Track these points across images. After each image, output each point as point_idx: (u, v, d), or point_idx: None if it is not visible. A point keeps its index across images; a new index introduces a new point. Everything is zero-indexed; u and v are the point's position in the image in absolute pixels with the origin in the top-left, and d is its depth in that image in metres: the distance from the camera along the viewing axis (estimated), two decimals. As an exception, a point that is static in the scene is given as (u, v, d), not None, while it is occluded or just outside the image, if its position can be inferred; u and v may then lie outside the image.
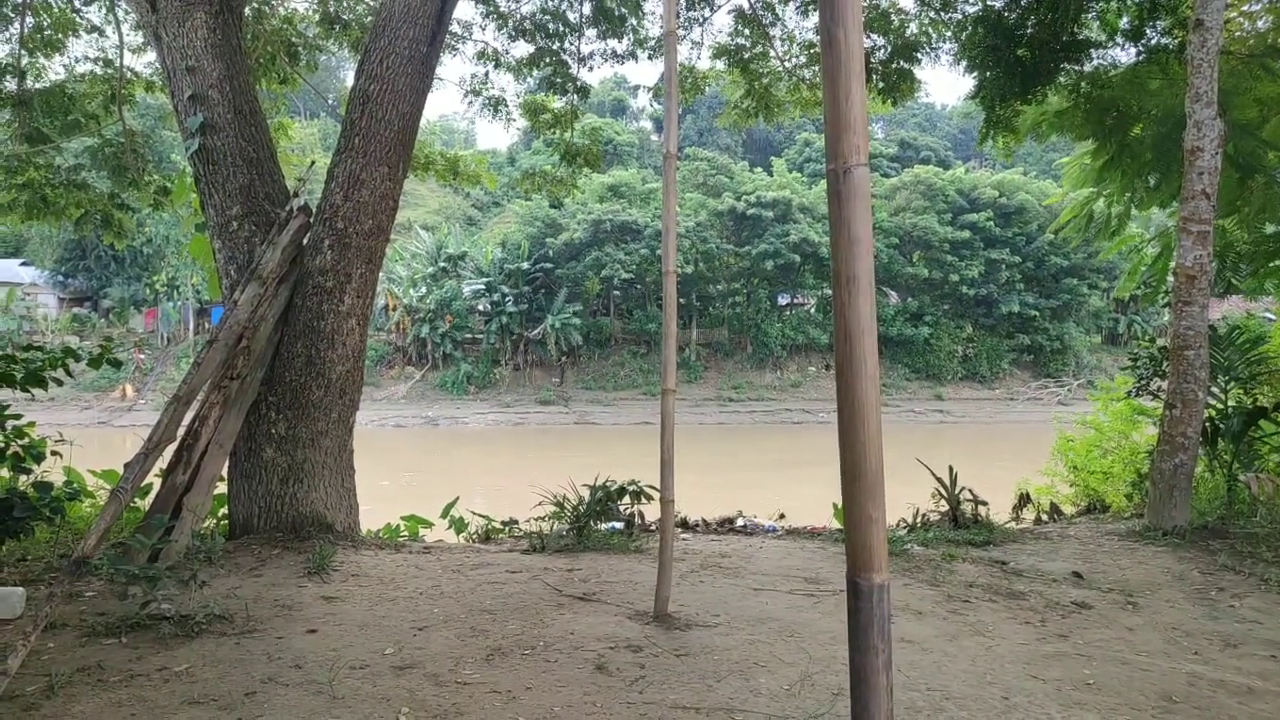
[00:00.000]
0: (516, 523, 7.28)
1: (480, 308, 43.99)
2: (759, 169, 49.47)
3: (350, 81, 7.39)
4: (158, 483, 5.46)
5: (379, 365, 42.81)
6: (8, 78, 11.06)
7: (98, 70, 12.00)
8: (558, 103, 12.72)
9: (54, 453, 5.36)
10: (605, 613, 4.51)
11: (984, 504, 7.48)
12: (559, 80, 11.85)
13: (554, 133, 13.17)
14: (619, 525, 6.97)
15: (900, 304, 47.08)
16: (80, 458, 6.23)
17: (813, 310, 47.49)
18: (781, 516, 8.22)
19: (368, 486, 6.55)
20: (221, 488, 5.88)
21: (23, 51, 11.13)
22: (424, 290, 43.31)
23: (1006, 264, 45.97)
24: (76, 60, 11.80)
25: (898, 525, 7.54)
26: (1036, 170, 54.62)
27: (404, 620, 4.31)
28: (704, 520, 7.93)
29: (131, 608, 4.11)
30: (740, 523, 7.81)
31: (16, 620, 4.02)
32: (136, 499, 5.79)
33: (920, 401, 43.69)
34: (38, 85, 11.37)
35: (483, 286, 43.09)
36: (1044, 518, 8.42)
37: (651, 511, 7.03)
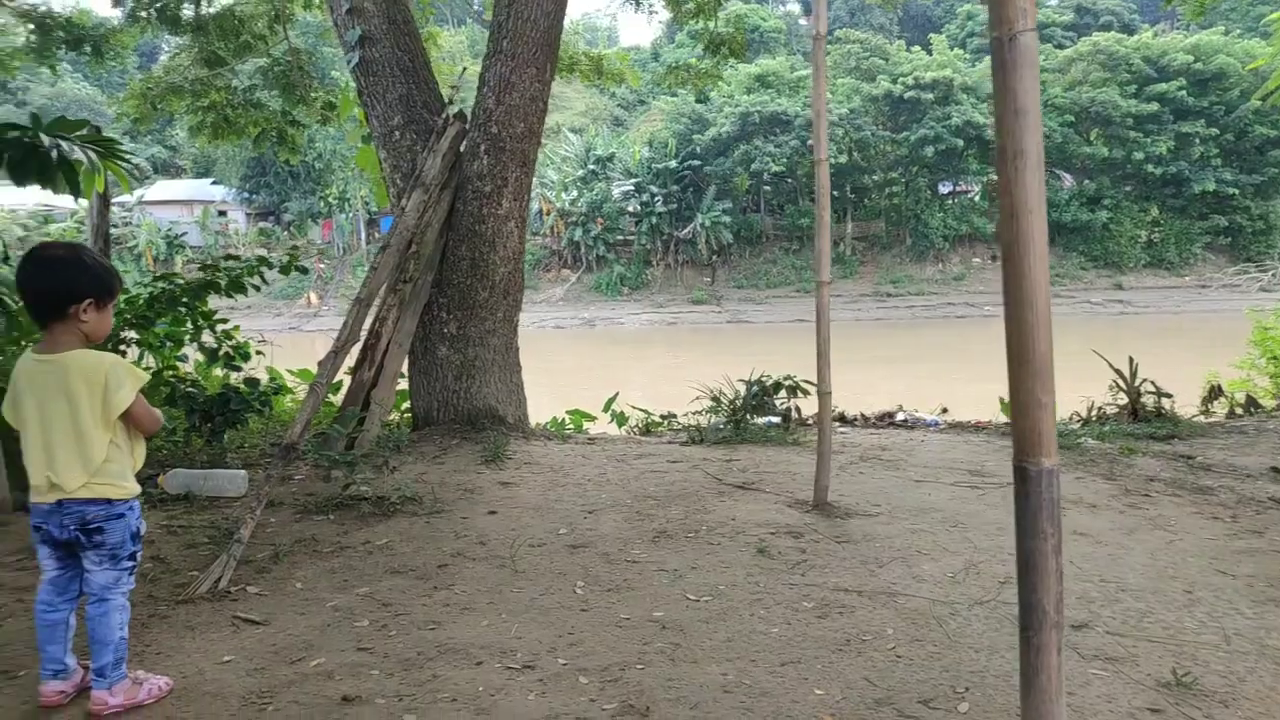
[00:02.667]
0: (674, 416, 7.47)
1: (630, 209, 44.15)
2: (916, 48, 46.25)
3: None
4: (347, 379, 5.95)
5: (536, 269, 44.02)
6: (186, 3, 11.76)
7: (262, -8, 12.54)
8: (702, -11, 12.30)
9: (258, 352, 5.92)
10: (764, 501, 4.62)
11: (1168, 396, 7.03)
12: (703, -35, 11.44)
13: (697, 22, 12.80)
14: (775, 420, 7.03)
15: (1075, 187, 43.62)
16: (276, 358, 6.85)
17: (977, 198, 44.82)
18: (944, 411, 8.05)
19: (531, 384, 6.87)
20: (402, 384, 6.34)
21: (196, -23, 11.76)
22: (575, 193, 43.84)
23: (1201, 137, 41.47)
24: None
25: (1070, 419, 7.23)
26: (1240, 29, 48.40)
27: (574, 504, 4.58)
28: (862, 415, 7.88)
29: (334, 489, 4.57)
30: (900, 417, 7.70)
31: (242, 498, 4.56)
32: (329, 394, 6.34)
33: (1098, 292, 40.85)
34: (211, 10, 12.02)
35: (631, 187, 43.13)
36: (1238, 411, 7.83)
37: (808, 406, 7.04)
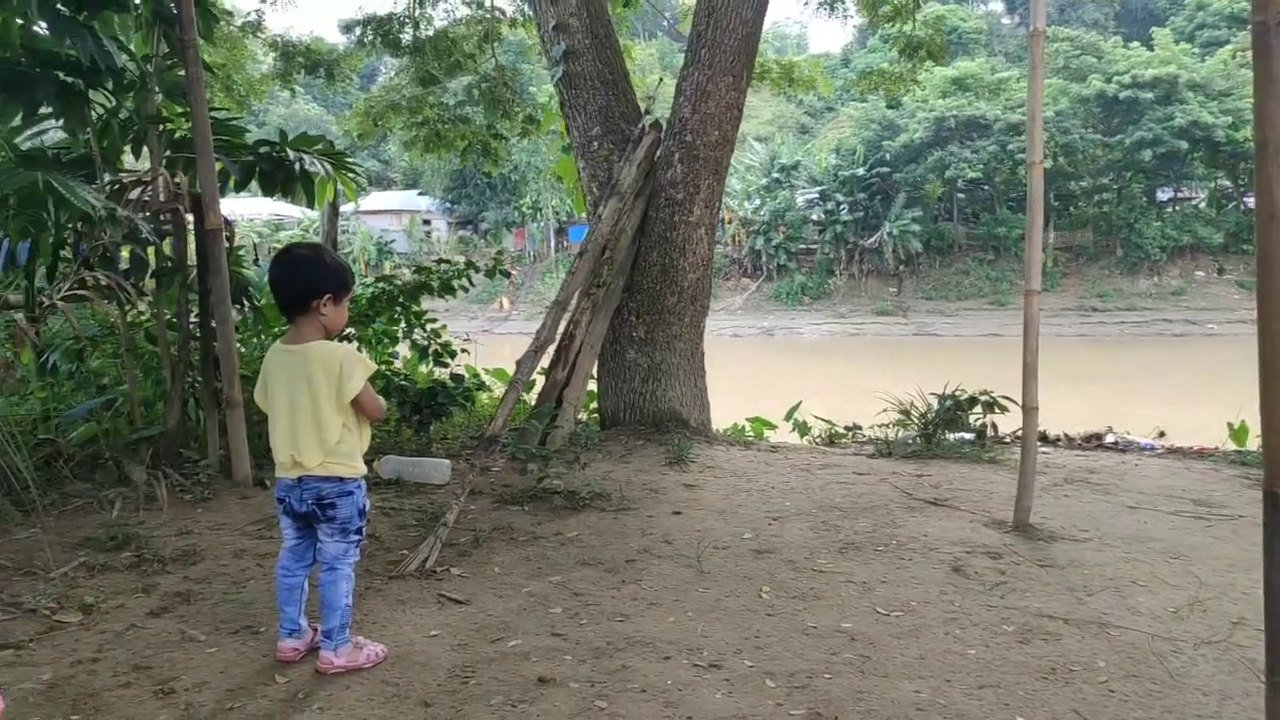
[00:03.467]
0: (859, 428, 7.29)
1: (814, 217, 43.50)
2: (1135, 44, 42.76)
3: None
4: (540, 379, 6.22)
5: (715, 277, 44.07)
6: (406, 28, 12.73)
7: (472, 13, 13.37)
8: (899, -8, 11.96)
9: (463, 350, 6.31)
10: (958, 518, 4.42)
11: None
12: (902, -33, 11.12)
13: (893, 26, 12.46)
14: (968, 436, 6.71)
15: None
16: (471, 358, 7.26)
17: (1202, 205, 40.89)
18: (1161, 435, 7.39)
19: (711, 391, 6.92)
20: (592, 385, 6.55)
21: (415, 4, 12.70)
22: (758, 202, 43.70)
23: None
24: (454, 6, 13.19)
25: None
26: None
27: (758, 510, 4.57)
28: (1065, 435, 7.37)
29: (529, 482, 4.79)
30: (1110, 439, 7.14)
31: (445, 485, 4.87)
32: (524, 393, 6.66)
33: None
34: (427, 33, 12.93)
35: (816, 195, 42.49)
36: None
37: (1005, 423, 6.68)
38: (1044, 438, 7.25)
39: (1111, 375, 24.85)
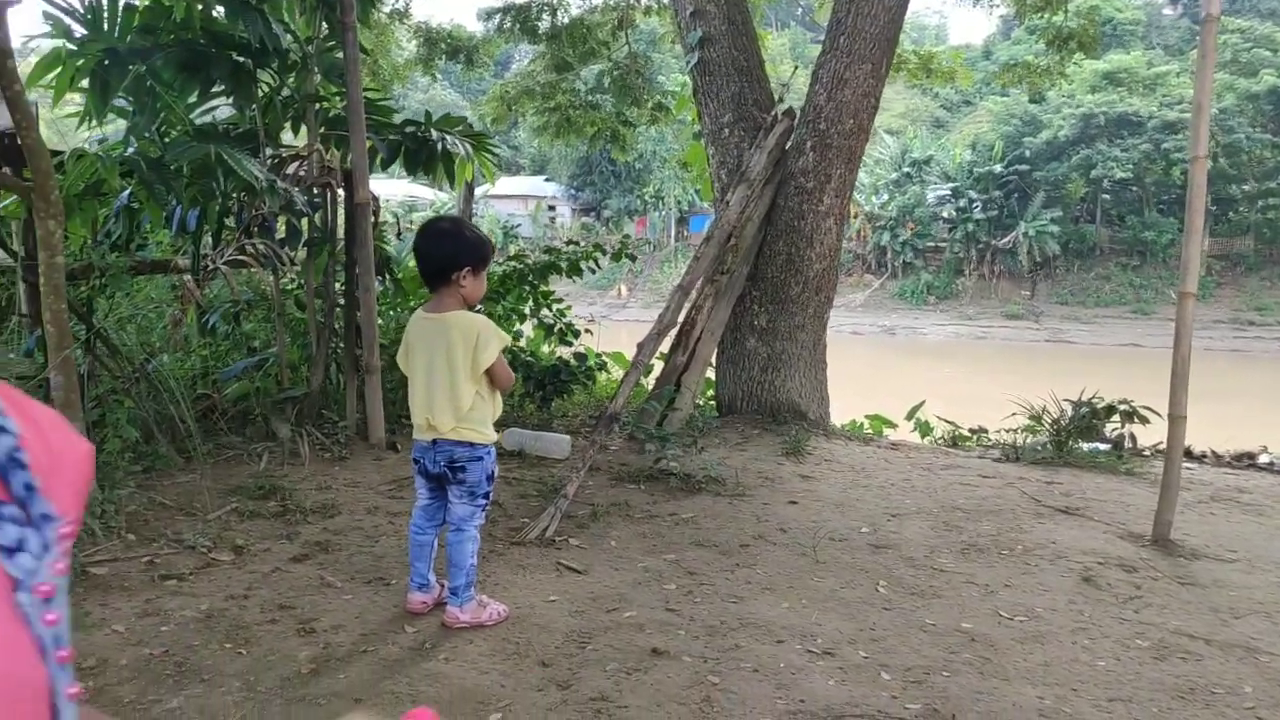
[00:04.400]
0: (985, 431, 7.04)
1: (944, 214, 42.00)
2: (1318, 35, 39.33)
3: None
4: (659, 364, 6.28)
5: (838, 271, 43.34)
6: (544, 15, 13.00)
7: (608, 0, 13.53)
8: (1051, -21, 11.42)
9: (586, 331, 6.44)
10: (1091, 528, 4.23)
11: None
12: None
13: (1042, 17, 11.90)
14: (1103, 446, 6.38)
15: None
16: (590, 342, 7.38)
17: (1386, 214, 37.33)
18: (1321, 458, 6.84)
19: (830, 386, 6.81)
20: (710, 371, 6.56)
21: (554, -8, 12.96)
22: (885, 197, 42.54)
23: None
24: (591, -6, 13.39)
25: None
26: None
27: (876, 505, 4.49)
28: (1213, 451, 6.91)
29: (646, 462, 4.86)
30: (1264, 459, 6.65)
31: (565, 460, 4.99)
32: (642, 377, 6.74)
33: None
34: (564, 20, 13.18)
35: (948, 192, 41.02)
36: None
37: (1144, 436, 6.32)
38: (1188, 453, 6.81)
39: (1265, 394, 23.08)
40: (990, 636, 2.98)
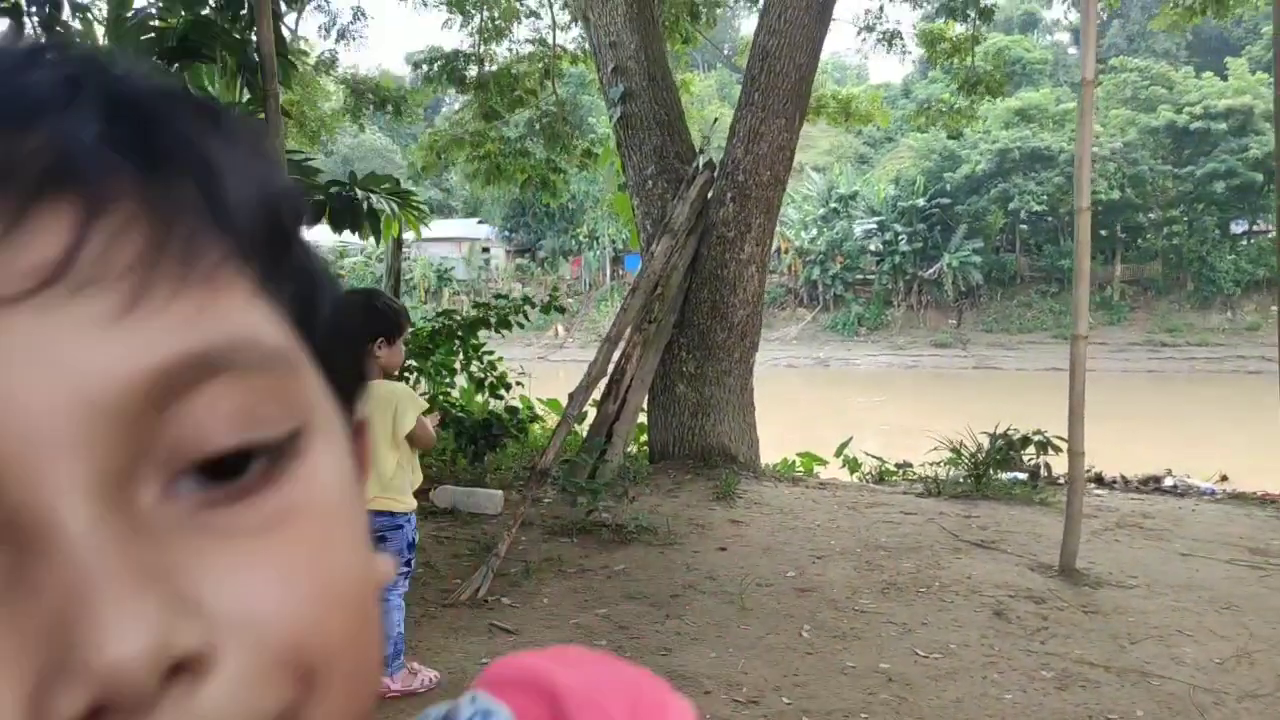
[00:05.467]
0: (910, 466, 7.27)
1: (872, 248, 43.19)
2: (1208, 73, 41.82)
3: (745, 30, 7.73)
4: (592, 411, 6.37)
5: (770, 307, 43.99)
6: (470, 65, 13.17)
7: (533, 49, 13.77)
8: (957, 28, 12.03)
9: (517, 383, 6.49)
10: (1004, 561, 4.42)
11: None
12: (958, 4, 11.18)
13: (953, 61, 12.50)
14: (1021, 476, 6.65)
15: None
16: (527, 386, 7.44)
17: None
18: (1223, 479, 7.23)
19: (760, 423, 6.98)
20: (642, 418, 6.67)
21: (480, 41, 13.15)
22: (814, 232, 43.57)
23: None
24: (517, 43, 13.61)
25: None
26: None
27: (802, 548, 4.63)
28: (1123, 477, 7.25)
29: (579, 514, 4.92)
30: (1169, 482, 7.01)
31: (497, 516, 5.02)
32: (575, 425, 6.81)
33: None
34: (490, 69, 13.36)
35: (875, 226, 42.22)
36: None
37: (1060, 463, 6.60)
38: (1099, 480, 7.15)
39: (1179, 414, 24.13)
40: (907, 675, 3.11)
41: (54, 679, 0.20)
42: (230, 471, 0.23)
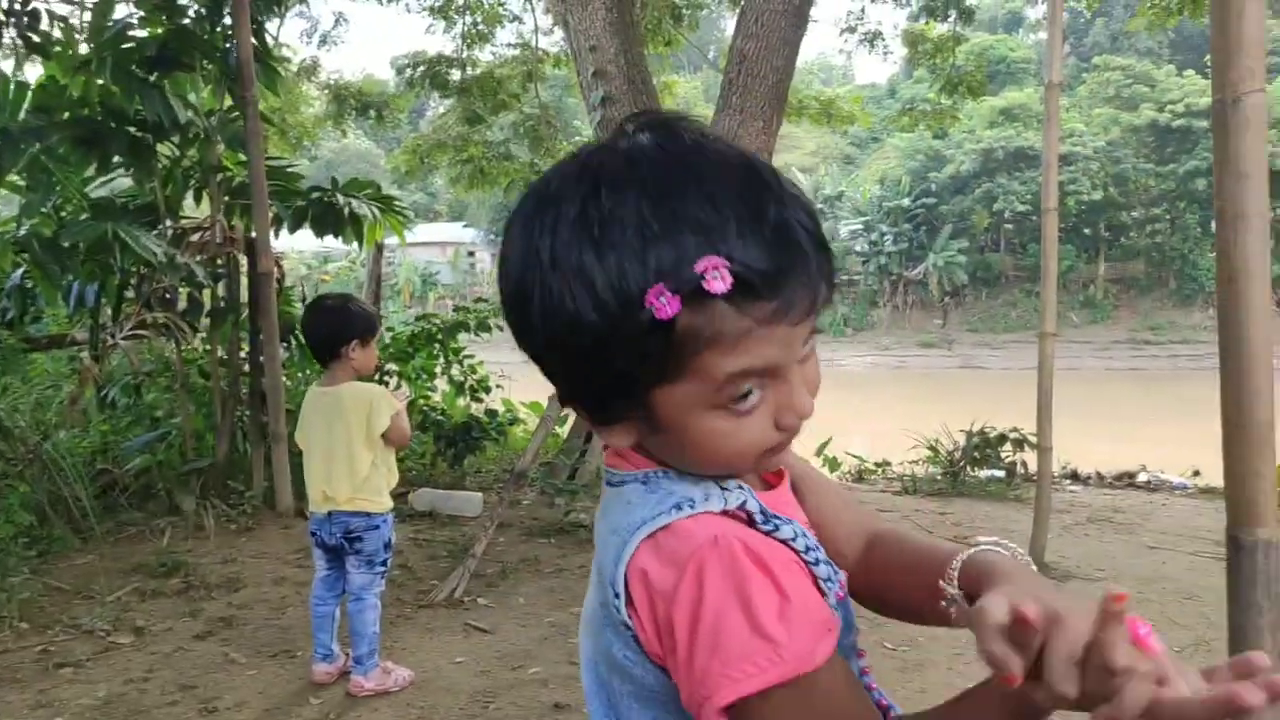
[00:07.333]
0: (889, 464, 7.35)
1: (857, 248, 43.39)
2: (1190, 72, 42.16)
3: (731, 31, 7.80)
4: (573, 413, 6.41)
5: (759, 308, 44.10)
6: (454, 70, 13.19)
7: (516, 53, 13.80)
8: (939, 28, 12.13)
9: (497, 386, 6.54)
10: (976, 557, 4.49)
11: None
12: (939, 4, 11.28)
13: (935, 61, 12.60)
14: (998, 473, 6.73)
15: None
16: (509, 390, 7.47)
17: (1259, 235, 39.81)
18: (1196, 474, 7.33)
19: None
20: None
21: (463, 46, 13.17)
22: (801, 233, 43.69)
23: None
24: (500, 48, 13.64)
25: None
26: None
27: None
28: (1098, 473, 7.35)
29: (557, 515, 4.97)
30: (1142, 477, 7.11)
31: (476, 518, 5.06)
32: (557, 427, 6.85)
33: None
34: (473, 74, 13.38)
35: (860, 226, 42.42)
36: None
37: (1035, 460, 6.69)
38: (1074, 475, 7.25)
39: (1158, 411, 24.35)
40: (875, 667, 3.13)
41: (786, 415, 0.68)
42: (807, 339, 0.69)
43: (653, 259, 0.62)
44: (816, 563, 0.73)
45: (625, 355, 0.64)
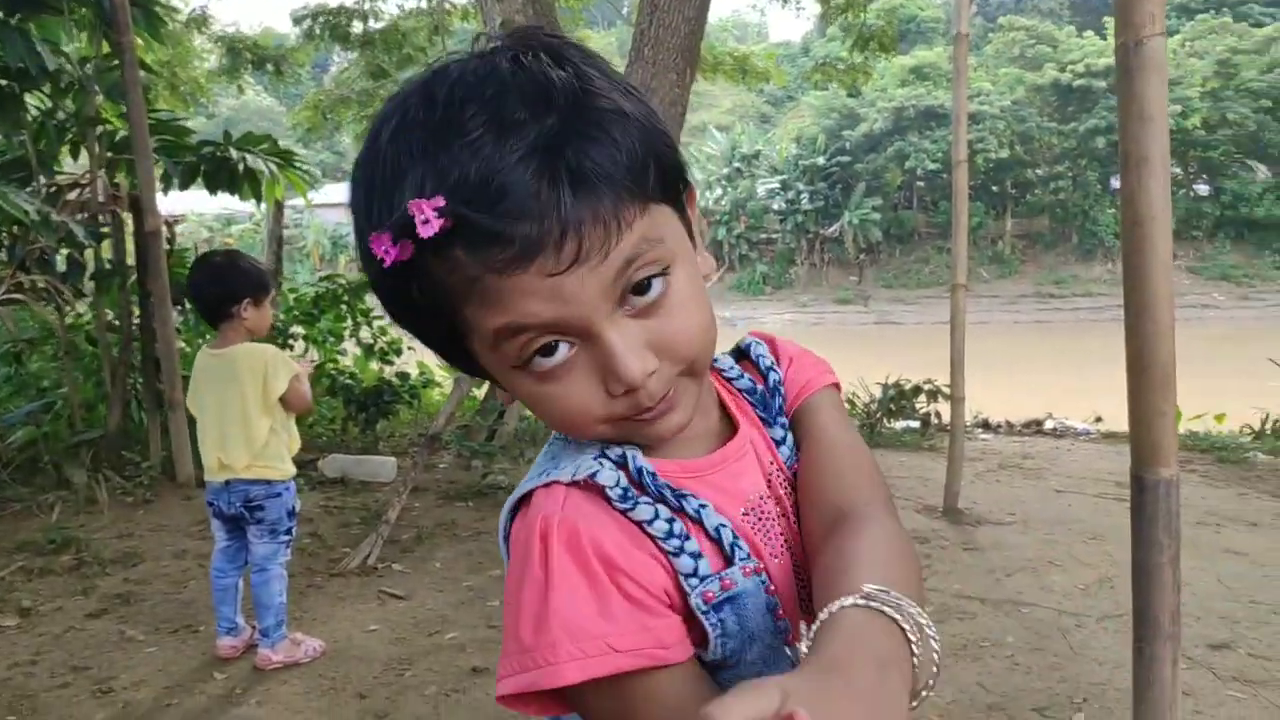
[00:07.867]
0: (807, 418, 7.43)
1: (775, 207, 43.70)
2: (1089, 33, 43.47)
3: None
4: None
5: (679, 268, 44.22)
6: (355, 21, 12.64)
7: (422, 5, 13.30)
8: (850, -16, 12.14)
9: (409, 348, 6.34)
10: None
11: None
12: (850, -40, 11.28)
13: (847, 17, 12.63)
14: (913, 424, 6.88)
15: (1271, 178, 39.82)
16: (426, 352, 7.28)
17: (1152, 191, 41.60)
18: (1098, 420, 7.63)
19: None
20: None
21: (367, -3, 12.61)
22: (719, 192, 43.82)
23: None
24: (406, -1, 13.13)
25: (1241, 431, 6.71)
26: None
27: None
28: (1007, 421, 7.58)
29: (474, 477, 4.86)
30: (1049, 425, 7.37)
31: (390, 484, 4.92)
32: (474, 388, 6.70)
33: (1294, 293, 37.17)
34: (377, 26, 12.85)
35: (777, 185, 42.71)
36: None
37: (949, 411, 6.86)
38: (986, 424, 7.46)
39: (1062, 361, 25.38)
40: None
41: (610, 381, 0.60)
42: (643, 289, 0.60)
43: (387, 201, 0.58)
44: (679, 553, 0.63)
45: (399, 305, 0.62)
